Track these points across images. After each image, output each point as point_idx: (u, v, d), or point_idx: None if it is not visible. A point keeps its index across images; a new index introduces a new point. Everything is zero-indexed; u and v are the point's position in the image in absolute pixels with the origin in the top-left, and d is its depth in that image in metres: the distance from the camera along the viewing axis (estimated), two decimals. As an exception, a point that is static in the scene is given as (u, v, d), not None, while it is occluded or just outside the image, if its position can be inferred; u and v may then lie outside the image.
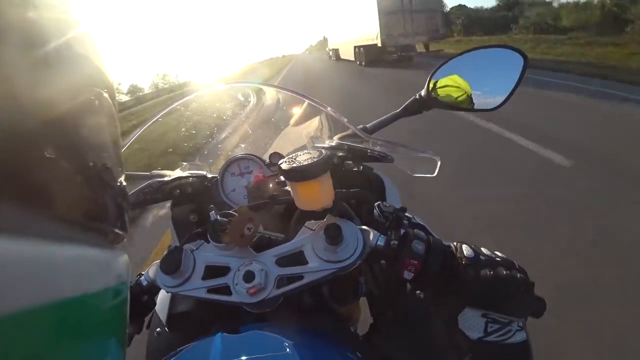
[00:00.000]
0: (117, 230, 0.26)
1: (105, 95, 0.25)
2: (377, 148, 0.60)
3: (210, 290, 0.44)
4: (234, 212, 0.48)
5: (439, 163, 0.55)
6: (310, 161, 0.44)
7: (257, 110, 0.91)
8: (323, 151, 0.46)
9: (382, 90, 7.35)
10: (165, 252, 0.46)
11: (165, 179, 0.68)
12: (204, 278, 0.45)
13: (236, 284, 0.43)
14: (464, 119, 4.06)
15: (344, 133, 0.65)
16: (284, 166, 0.45)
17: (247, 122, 0.88)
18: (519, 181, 2.60)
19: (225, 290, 0.44)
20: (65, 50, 0.21)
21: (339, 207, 0.49)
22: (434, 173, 0.56)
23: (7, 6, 0.16)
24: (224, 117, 0.85)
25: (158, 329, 0.55)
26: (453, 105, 0.66)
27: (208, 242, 0.47)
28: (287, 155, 0.48)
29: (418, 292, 0.50)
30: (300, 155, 0.47)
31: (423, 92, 0.66)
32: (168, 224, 0.70)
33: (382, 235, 0.45)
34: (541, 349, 0.66)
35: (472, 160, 3.06)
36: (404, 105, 0.69)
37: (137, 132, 0.71)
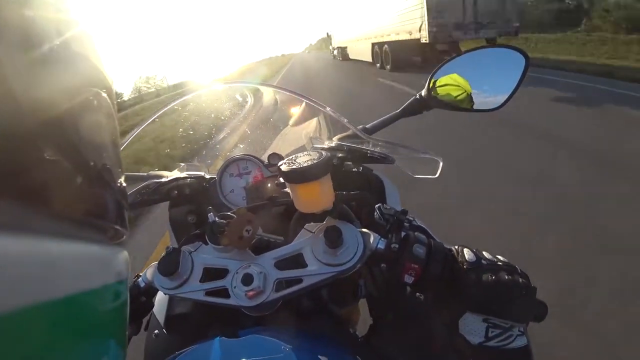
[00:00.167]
0: (117, 227, 0.26)
1: (104, 95, 0.25)
2: (378, 149, 0.59)
3: (209, 292, 0.44)
4: (232, 214, 0.47)
5: (440, 164, 0.55)
6: (310, 163, 0.44)
7: (255, 110, 0.91)
8: (323, 152, 0.46)
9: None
10: (163, 254, 0.46)
11: (163, 179, 0.68)
12: (202, 280, 0.44)
13: (234, 287, 0.43)
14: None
15: (344, 134, 0.64)
16: (284, 168, 0.44)
17: (245, 123, 0.88)
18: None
19: (224, 293, 0.43)
20: (64, 50, 0.21)
21: (339, 209, 0.48)
22: (435, 174, 0.56)
23: (5, 5, 0.16)
24: (222, 118, 0.84)
25: (156, 331, 0.54)
26: (453, 105, 0.66)
27: (206, 243, 0.47)
28: (286, 156, 0.48)
29: (418, 294, 0.49)
30: (300, 156, 0.46)
31: (423, 92, 0.66)
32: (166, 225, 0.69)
33: (382, 239, 0.44)
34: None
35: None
36: (403, 106, 0.68)
37: (134, 132, 0.70)
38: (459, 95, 0.65)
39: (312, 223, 0.46)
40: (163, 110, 0.73)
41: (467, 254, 0.42)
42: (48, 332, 0.17)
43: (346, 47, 16.71)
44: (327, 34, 25.42)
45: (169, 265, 0.44)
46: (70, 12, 0.22)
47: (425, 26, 7.68)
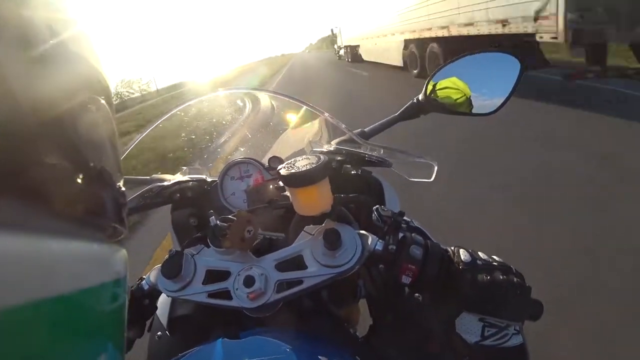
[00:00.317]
0: (115, 225, 0.25)
1: (102, 92, 0.25)
2: (375, 153, 0.60)
3: (211, 294, 0.45)
4: (233, 217, 0.48)
5: (435, 168, 0.56)
6: (309, 167, 0.45)
7: (254, 114, 0.92)
8: (321, 156, 0.47)
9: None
10: (166, 257, 0.47)
11: (165, 183, 0.68)
12: (204, 282, 0.45)
13: (236, 289, 0.43)
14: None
15: (343, 137, 0.65)
16: (283, 172, 0.45)
17: (245, 127, 0.89)
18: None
19: (226, 294, 0.44)
20: (62, 49, 0.21)
21: (337, 211, 0.49)
22: (431, 178, 0.57)
23: (3, 4, 0.16)
24: (224, 122, 0.85)
25: (159, 333, 0.55)
26: (451, 109, 0.66)
27: (208, 246, 0.48)
28: (286, 160, 0.49)
29: (417, 295, 0.50)
30: (299, 160, 0.47)
31: (420, 96, 0.67)
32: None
33: (380, 240, 0.45)
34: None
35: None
36: (401, 110, 0.69)
37: (138, 138, 0.71)
38: (459, 98, 0.66)
39: (311, 225, 0.47)
40: (168, 116, 0.74)
41: (463, 254, 0.43)
42: (46, 329, 0.17)
43: (358, 46, 13.49)
44: (332, 30, 20.39)
45: (172, 268, 0.45)
46: (68, 11, 0.22)
47: (561, 13, 3.71)
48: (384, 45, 9.62)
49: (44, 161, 0.18)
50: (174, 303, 0.57)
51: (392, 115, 0.70)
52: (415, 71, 7.68)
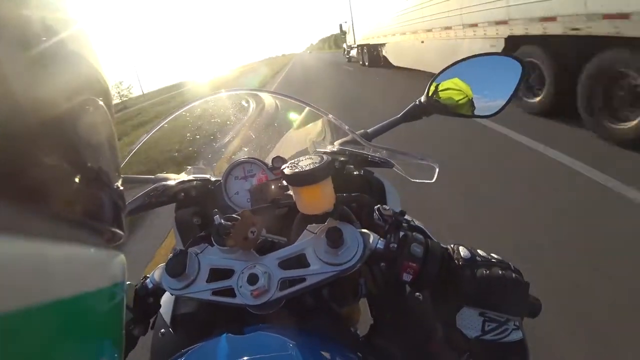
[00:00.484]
0: (114, 230, 0.25)
1: (101, 92, 0.25)
2: (378, 153, 0.61)
3: (215, 292, 0.45)
4: (237, 216, 0.49)
5: (437, 169, 0.57)
6: (312, 166, 0.45)
7: (257, 114, 0.93)
8: (324, 156, 0.47)
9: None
10: (170, 255, 0.47)
11: (170, 182, 0.69)
12: (208, 281, 0.46)
13: (240, 287, 0.44)
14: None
15: (345, 138, 0.66)
16: (287, 171, 0.46)
17: (248, 127, 0.89)
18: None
19: (230, 292, 0.45)
20: (62, 49, 0.21)
21: (339, 210, 0.50)
22: (432, 179, 0.57)
23: (2, 4, 0.16)
24: (228, 122, 0.86)
25: (162, 330, 0.56)
26: (453, 111, 0.67)
27: (212, 245, 0.49)
28: (289, 160, 0.49)
29: (417, 293, 0.51)
30: (302, 160, 0.48)
31: (423, 98, 0.67)
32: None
33: (381, 239, 0.46)
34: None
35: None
36: (404, 111, 0.70)
37: (143, 139, 0.72)
38: (460, 100, 0.66)
39: (314, 224, 0.48)
40: (170, 117, 0.75)
41: (463, 251, 0.43)
42: (43, 333, 0.17)
43: (380, 45, 10.04)
44: (340, 27, 16.71)
45: (177, 267, 0.46)
46: (68, 11, 0.22)
47: None
48: (446, 45, 5.69)
49: (43, 162, 0.18)
50: (178, 301, 0.58)
51: (395, 117, 0.70)
52: (537, 99, 3.66)
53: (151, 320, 0.54)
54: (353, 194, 0.55)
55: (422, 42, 6.73)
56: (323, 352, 0.41)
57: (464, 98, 0.66)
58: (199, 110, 0.80)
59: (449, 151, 3.02)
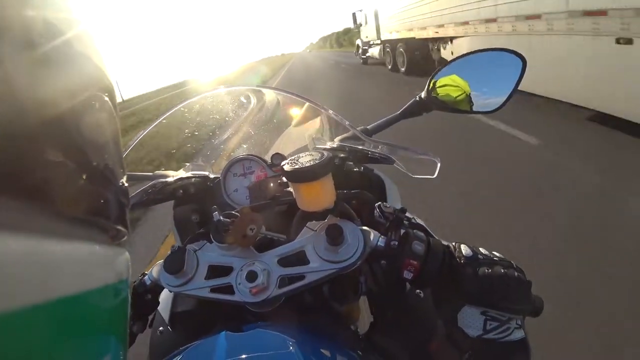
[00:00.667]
0: (118, 227, 0.25)
1: (105, 91, 0.25)
2: (378, 150, 0.60)
3: (214, 289, 0.45)
4: (236, 213, 0.48)
5: (438, 164, 0.56)
6: (312, 163, 0.45)
7: (257, 111, 0.92)
8: (325, 153, 0.47)
9: None
10: (168, 252, 0.47)
11: (168, 179, 0.69)
12: (207, 278, 0.46)
13: (239, 284, 0.44)
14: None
15: (345, 135, 0.66)
16: (287, 167, 0.46)
17: (248, 124, 0.89)
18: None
19: (228, 289, 0.44)
20: (66, 49, 0.21)
21: (340, 207, 0.50)
22: (434, 174, 0.57)
23: (7, 4, 0.16)
24: (227, 119, 0.86)
25: (161, 328, 0.55)
26: (453, 107, 0.67)
27: (211, 242, 0.48)
28: (289, 156, 0.49)
29: (418, 291, 0.51)
30: (302, 156, 0.47)
31: (423, 94, 0.67)
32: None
33: (382, 236, 0.45)
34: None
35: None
36: (403, 107, 0.69)
37: (140, 135, 0.72)
38: (458, 96, 0.66)
39: (314, 221, 0.47)
40: (168, 113, 0.74)
41: (464, 249, 0.43)
42: (49, 331, 0.17)
43: (446, 41, 6.17)
44: (354, 17, 11.82)
45: (175, 264, 0.45)
46: (72, 11, 0.22)
47: None
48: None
49: (49, 161, 0.18)
50: (176, 299, 0.57)
51: (395, 114, 0.70)
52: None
53: (149, 318, 0.54)
54: (353, 191, 0.55)
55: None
56: (323, 350, 0.41)
57: (461, 94, 0.65)
58: (197, 107, 0.79)
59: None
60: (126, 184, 0.28)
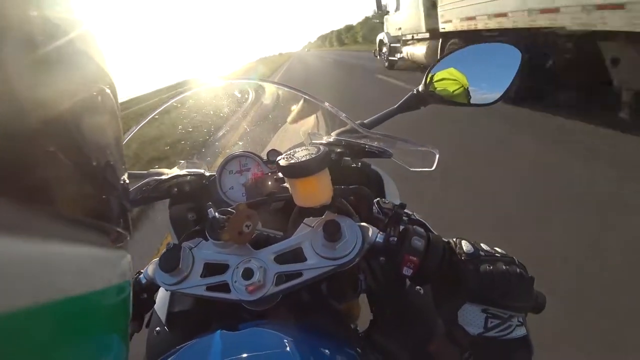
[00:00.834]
0: (119, 230, 0.26)
1: (108, 91, 0.25)
2: (375, 143, 0.59)
3: (209, 287, 0.44)
4: (232, 210, 0.48)
5: (437, 156, 0.55)
6: (308, 157, 0.44)
7: (253, 107, 0.91)
8: (321, 147, 0.46)
9: None
10: (163, 250, 0.46)
11: (163, 177, 0.68)
12: (202, 276, 0.45)
13: (235, 282, 0.43)
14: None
15: (342, 129, 0.65)
16: (282, 162, 0.45)
17: (243, 120, 0.88)
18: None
19: (224, 287, 0.44)
20: (68, 49, 0.21)
21: (337, 203, 0.49)
22: (432, 167, 0.56)
23: (9, 5, 0.16)
24: (222, 115, 0.85)
25: (157, 328, 0.55)
26: (450, 101, 0.66)
27: (206, 239, 0.47)
28: (285, 152, 0.48)
29: (418, 288, 0.50)
30: (298, 151, 0.46)
31: (421, 88, 0.66)
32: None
33: (381, 232, 0.45)
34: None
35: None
36: (401, 101, 0.69)
37: (133, 130, 0.71)
38: (456, 90, 0.65)
39: (311, 217, 0.46)
40: (163, 107, 0.74)
41: (465, 245, 0.42)
42: (52, 332, 0.17)
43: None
44: (379, 3, 9.04)
45: (170, 262, 0.45)
46: (74, 11, 0.22)
47: None
48: None
49: (50, 162, 0.18)
50: (173, 298, 0.57)
51: (392, 108, 0.69)
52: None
53: (145, 317, 0.53)
54: (351, 187, 0.54)
55: None
56: (321, 349, 0.40)
57: (459, 88, 0.65)
58: (191, 102, 0.78)
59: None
60: (128, 186, 0.29)
